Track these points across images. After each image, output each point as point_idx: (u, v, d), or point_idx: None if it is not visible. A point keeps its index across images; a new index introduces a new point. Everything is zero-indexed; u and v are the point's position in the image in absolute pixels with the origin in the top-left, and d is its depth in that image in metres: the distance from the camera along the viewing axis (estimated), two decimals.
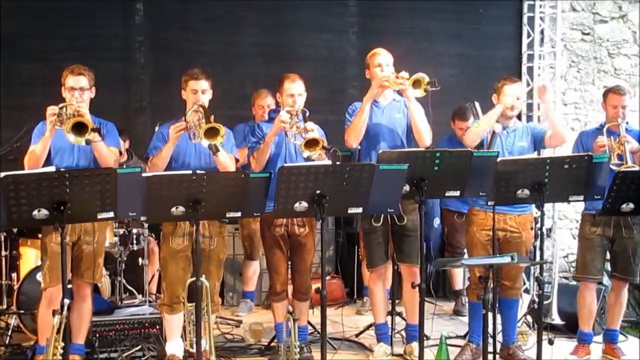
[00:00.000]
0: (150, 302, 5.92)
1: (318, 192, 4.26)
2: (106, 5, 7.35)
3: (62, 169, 4.32)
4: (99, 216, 4.07)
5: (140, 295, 6.10)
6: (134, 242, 6.12)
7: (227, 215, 4.47)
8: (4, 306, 6.25)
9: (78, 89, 4.75)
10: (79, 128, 4.50)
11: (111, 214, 4.08)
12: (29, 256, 6.12)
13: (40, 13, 7.12)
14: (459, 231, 6.60)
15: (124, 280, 6.17)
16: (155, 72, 7.52)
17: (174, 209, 4.20)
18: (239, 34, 7.75)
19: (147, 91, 7.50)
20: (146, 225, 6.11)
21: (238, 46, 7.73)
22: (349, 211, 4.47)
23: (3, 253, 6.24)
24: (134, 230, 6.10)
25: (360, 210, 4.46)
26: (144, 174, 4.07)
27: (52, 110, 4.59)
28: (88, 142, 4.51)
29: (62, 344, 4.07)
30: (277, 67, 6.92)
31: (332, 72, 7.89)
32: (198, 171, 4.63)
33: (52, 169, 4.09)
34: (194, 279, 4.37)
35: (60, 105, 4.63)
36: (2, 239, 6.21)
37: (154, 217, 4.40)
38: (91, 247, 4.85)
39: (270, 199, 4.35)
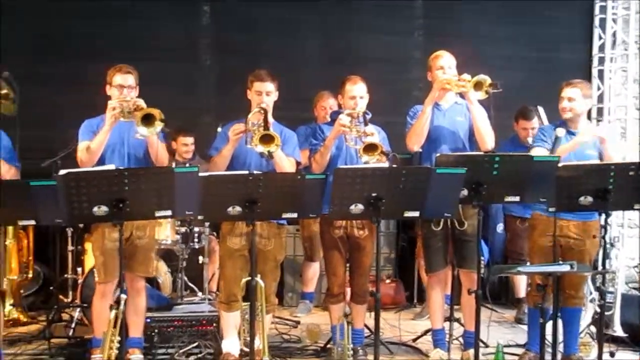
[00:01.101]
0: (209, 300, 5.97)
1: (374, 194, 4.23)
2: (174, 7, 7.47)
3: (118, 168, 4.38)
4: (157, 214, 4.14)
5: (201, 293, 6.17)
6: (195, 240, 6.20)
7: (283, 216, 4.47)
8: (69, 299, 6.43)
9: (127, 87, 4.86)
10: (147, 120, 4.59)
11: (169, 212, 4.14)
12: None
13: (108, 14, 7.29)
14: (521, 237, 6.47)
15: (185, 278, 6.26)
16: (220, 73, 7.61)
17: (230, 209, 4.23)
18: (303, 36, 7.80)
19: (212, 92, 7.59)
20: (207, 223, 6.18)
21: (302, 48, 7.78)
22: (405, 215, 4.42)
23: (69, 248, 6.42)
24: (196, 229, 6.18)
25: (416, 214, 4.41)
26: (200, 174, 4.10)
27: (112, 104, 4.71)
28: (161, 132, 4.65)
29: (119, 338, 4.15)
30: (341, 69, 6.87)
31: (396, 74, 7.85)
32: (256, 171, 4.65)
33: (111, 167, 4.16)
34: (249, 278, 4.39)
35: (119, 99, 4.74)
36: (69, 235, 6.39)
37: (211, 216, 4.44)
38: (144, 241, 4.95)
39: (327, 200, 4.35)
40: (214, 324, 5.33)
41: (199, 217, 4.34)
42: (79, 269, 6.38)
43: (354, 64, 7.44)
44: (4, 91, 4.65)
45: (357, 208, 4.27)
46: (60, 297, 6.42)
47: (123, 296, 4.06)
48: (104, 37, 7.23)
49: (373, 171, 4.30)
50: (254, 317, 4.33)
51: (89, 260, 6.11)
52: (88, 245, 6.17)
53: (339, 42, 7.79)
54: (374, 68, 7.44)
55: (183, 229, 6.12)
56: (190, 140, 6.82)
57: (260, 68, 5.10)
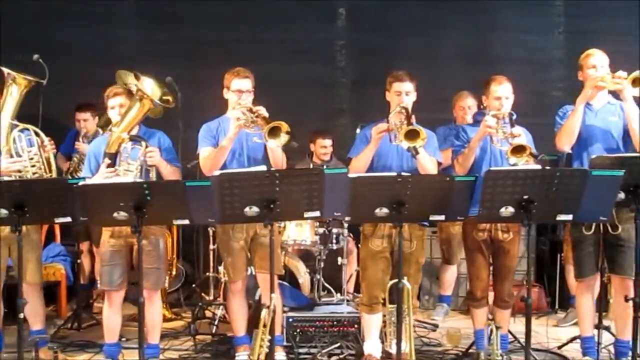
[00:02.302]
0: (347, 301, 5.99)
1: (525, 197, 4.12)
2: (310, 10, 7.55)
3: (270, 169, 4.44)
4: (306, 215, 4.18)
5: (339, 294, 6.19)
6: (334, 241, 6.23)
7: (430, 218, 4.41)
8: (210, 297, 6.61)
9: (245, 91, 4.88)
10: (273, 132, 4.58)
11: (317, 214, 4.17)
12: None
13: (250, 18, 7.48)
14: None
15: (321, 279, 6.30)
16: (356, 75, 7.63)
17: (377, 210, 4.22)
18: (440, 36, 7.71)
19: (347, 94, 7.62)
20: (346, 225, 6.20)
21: (439, 48, 7.69)
22: (558, 218, 4.28)
23: (211, 247, 6.60)
24: (334, 230, 6.20)
25: (570, 217, 4.26)
26: (349, 175, 4.11)
27: (236, 114, 4.74)
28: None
29: (269, 337, 4.22)
30: (479, 69, 6.78)
31: (535, 74, 7.64)
32: (404, 173, 4.61)
33: (262, 168, 4.23)
34: (395, 280, 4.36)
35: (241, 107, 4.76)
36: (211, 233, 6.57)
37: (358, 217, 4.42)
38: (268, 239, 4.98)
39: (474, 203, 4.27)
40: (355, 325, 5.33)
41: (346, 219, 4.32)
42: (220, 268, 6.55)
43: (492, 63, 7.31)
44: (166, 97, 4.81)
45: (508, 211, 4.16)
46: (202, 294, 6.61)
47: (274, 296, 4.12)
48: (252, 40, 7.44)
49: (525, 173, 4.17)
50: (401, 320, 4.31)
51: None
52: None
53: (477, 41, 7.67)
54: (512, 68, 7.19)
55: (321, 230, 6.16)
56: (328, 142, 6.87)
57: (396, 69, 5.06)
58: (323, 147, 6.86)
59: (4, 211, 4.13)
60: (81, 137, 6.22)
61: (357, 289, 6.20)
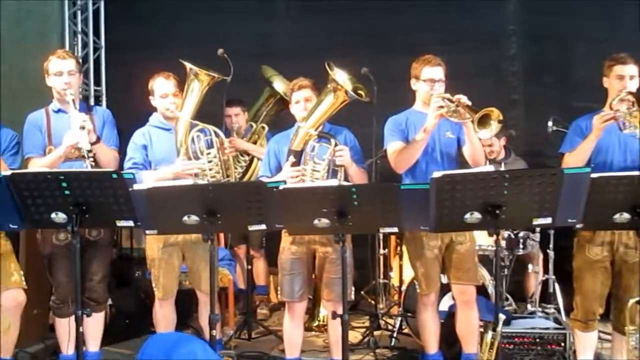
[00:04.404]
0: (546, 314, 5.35)
1: None
2: None
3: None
4: (535, 222, 3.62)
5: (530, 305, 5.58)
6: (520, 246, 5.61)
7: None
8: (381, 305, 6.14)
9: (438, 81, 4.45)
10: (482, 120, 4.14)
11: (548, 220, 3.60)
12: None
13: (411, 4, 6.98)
14: None
15: (501, 288, 5.71)
16: (528, 62, 6.97)
17: (617, 216, 3.66)
18: (621, 16, 6.91)
19: (520, 83, 6.97)
20: (537, 229, 5.57)
21: (621, 30, 6.90)
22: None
23: (380, 251, 6.13)
24: (520, 234, 5.59)
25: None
26: (592, 175, 3.52)
27: (438, 102, 4.28)
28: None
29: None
30: None
31: None
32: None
33: (490, 168, 3.70)
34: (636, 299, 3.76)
35: (438, 96, 4.32)
36: (380, 237, 6.10)
37: (593, 223, 3.81)
38: (465, 246, 4.50)
39: None
40: (562, 344, 4.72)
41: (578, 226, 3.74)
42: (392, 274, 6.10)
43: None
44: (360, 90, 4.33)
45: None
46: (371, 301, 6.16)
47: (502, 316, 3.59)
48: (410, 30, 6.93)
49: None
50: None
51: (408, 266, 5.80)
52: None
53: None
54: None
55: (506, 234, 5.57)
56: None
57: (570, 55, 4.49)
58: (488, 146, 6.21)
59: (194, 218, 3.75)
60: (234, 132, 5.92)
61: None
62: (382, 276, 6.20)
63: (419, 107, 4.58)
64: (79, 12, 7.26)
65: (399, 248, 5.97)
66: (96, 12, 7.36)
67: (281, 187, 3.65)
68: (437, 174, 3.49)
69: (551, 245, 5.64)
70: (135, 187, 3.67)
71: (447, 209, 3.56)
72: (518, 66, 6.99)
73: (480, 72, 6.92)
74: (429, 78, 4.46)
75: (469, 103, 4.21)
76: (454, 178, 3.51)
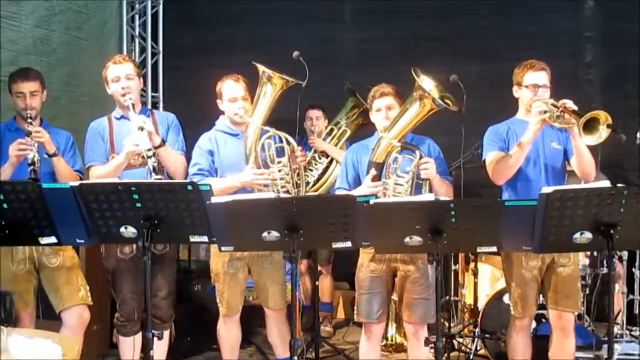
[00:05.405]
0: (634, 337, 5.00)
1: None
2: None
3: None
4: None
5: (627, 331, 5.21)
6: (603, 265, 5.26)
7: None
8: (453, 323, 5.82)
9: (542, 86, 4.16)
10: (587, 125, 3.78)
11: None
12: (484, 273, 5.63)
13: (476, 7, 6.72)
14: None
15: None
16: (606, 70, 6.62)
17: None
18: None
19: (597, 93, 6.61)
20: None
21: None
22: None
23: (452, 267, 5.82)
24: (604, 251, 5.24)
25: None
26: None
27: (541, 107, 4.00)
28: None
29: None
30: None
31: None
32: None
33: (606, 183, 3.37)
34: None
35: (541, 102, 4.03)
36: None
37: None
38: (568, 269, 4.13)
39: None
40: None
41: None
42: (464, 291, 5.79)
43: None
44: (447, 99, 4.03)
45: None
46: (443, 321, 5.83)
47: (617, 347, 3.26)
48: (483, 37, 6.71)
49: None
50: None
51: (482, 284, 5.51)
52: (480, 266, 5.55)
53: None
54: None
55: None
56: None
57: None
58: None
59: (275, 234, 3.46)
60: (315, 134, 5.78)
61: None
62: (453, 293, 5.86)
63: (521, 115, 4.28)
64: (137, 16, 7.08)
65: (473, 265, 5.63)
66: (154, 16, 7.17)
67: (372, 201, 3.35)
68: (547, 189, 3.18)
69: (637, 264, 5.30)
70: (213, 199, 3.40)
71: (554, 227, 3.25)
72: (594, 74, 6.65)
73: (554, 80, 6.58)
74: (532, 83, 4.17)
75: (575, 108, 3.89)
76: (566, 194, 3.19)
